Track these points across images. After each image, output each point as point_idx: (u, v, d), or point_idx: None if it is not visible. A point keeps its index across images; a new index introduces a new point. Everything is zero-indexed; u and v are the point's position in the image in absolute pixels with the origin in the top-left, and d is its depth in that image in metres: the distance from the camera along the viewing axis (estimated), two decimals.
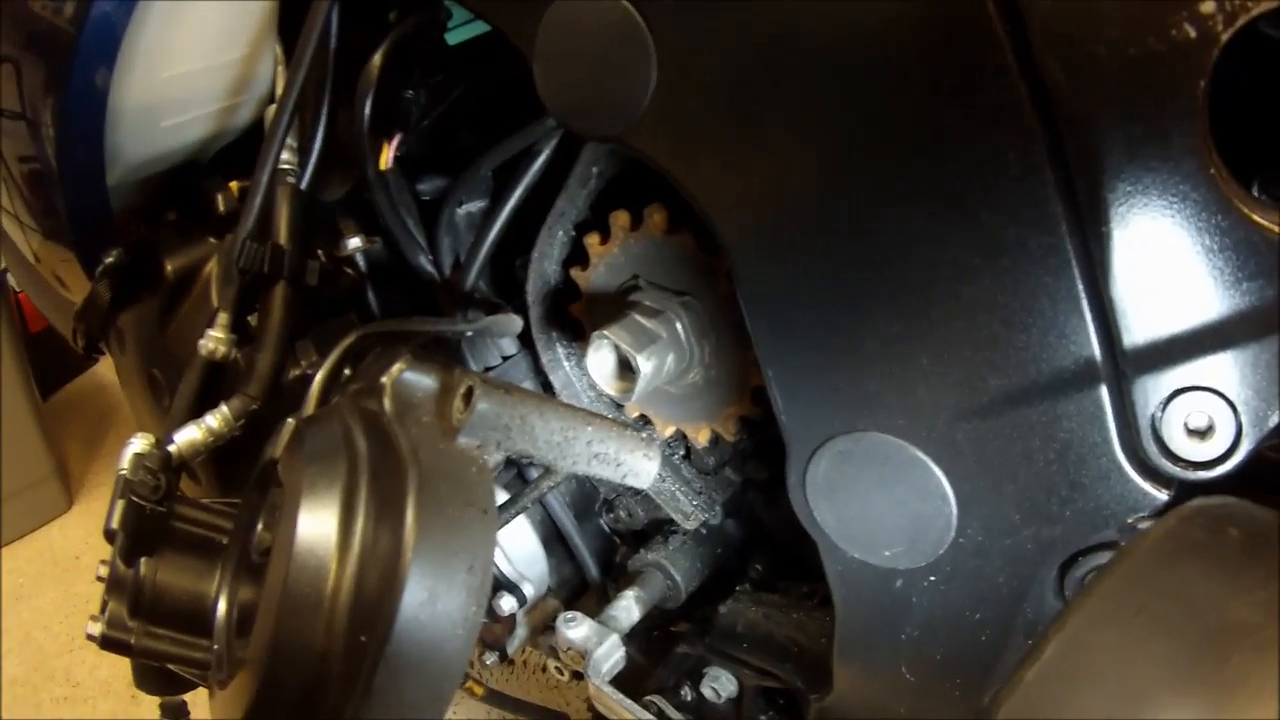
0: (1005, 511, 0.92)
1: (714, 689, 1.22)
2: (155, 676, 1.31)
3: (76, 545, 2.38)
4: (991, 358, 0.88)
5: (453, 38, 1.16)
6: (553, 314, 1.21)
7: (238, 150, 1.31)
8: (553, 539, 1.29)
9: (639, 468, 0.97)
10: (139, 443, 1.10)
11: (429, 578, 0.85)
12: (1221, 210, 0.80)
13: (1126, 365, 0.85)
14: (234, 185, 1.27)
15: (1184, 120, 0.78)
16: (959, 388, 0.90)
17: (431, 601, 0.85)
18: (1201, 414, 0.84)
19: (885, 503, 0.97)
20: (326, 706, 0.88)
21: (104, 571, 1.08)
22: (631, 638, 1.20)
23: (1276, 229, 0.79)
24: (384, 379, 0.94)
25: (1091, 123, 0.81)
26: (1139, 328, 0.84)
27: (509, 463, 1.24)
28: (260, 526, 1.03)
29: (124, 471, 1.07)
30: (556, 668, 1.35)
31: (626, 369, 1.09)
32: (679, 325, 1.09)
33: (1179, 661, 0.57)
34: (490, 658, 1.31)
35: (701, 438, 1.16)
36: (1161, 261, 0.82)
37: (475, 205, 1.24)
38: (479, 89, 1.22)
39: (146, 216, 1.34)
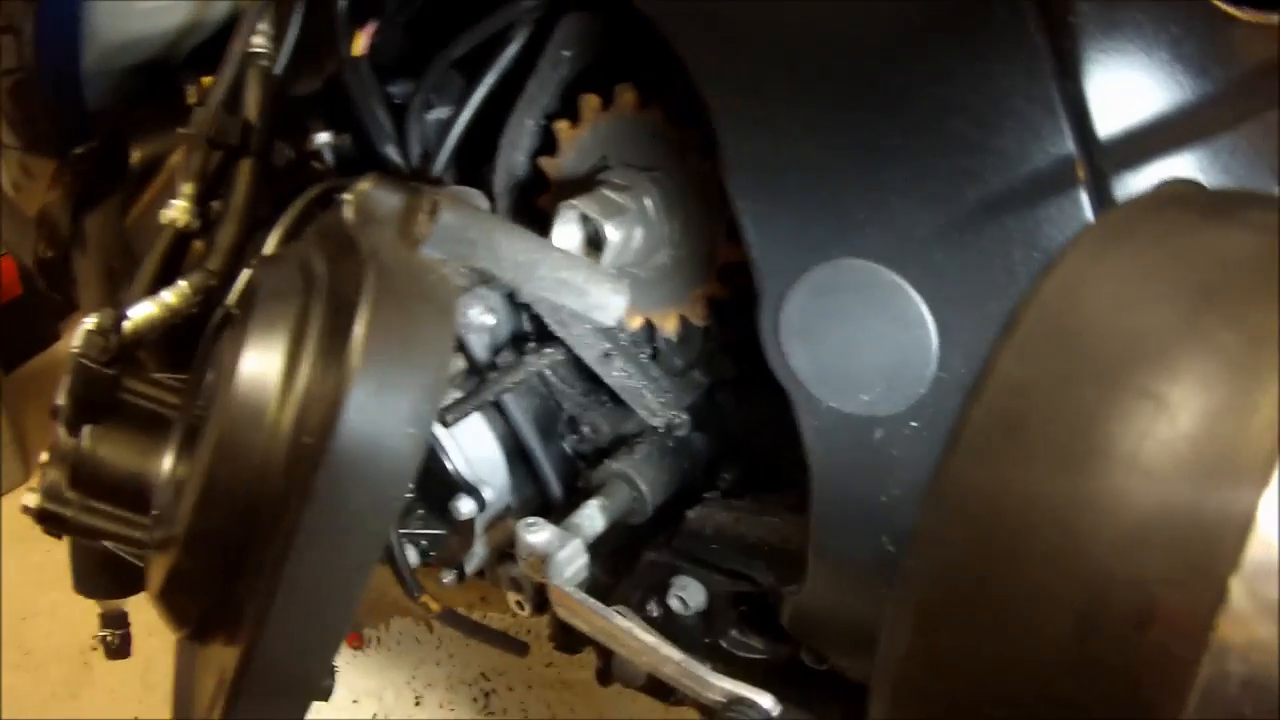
0: (988, 336, 0.88)
1: (681, 599, 1.15)
2: (95, 575, 1.24)
3: None
4: (968, 164, 0.86)
5: None
6: (520, 207, 1.18)
7: (211, 51, 1.31)
8: (514, 456, 1.24)
9: (606, 301, 0.94)
10: (92, 319, 1.05)
11: (381, 369, 0.80)
12: None
13: (1104, 161, 0.83)
14: (205, 80, 1.26)
15: None
16: (936, 201, 0.88)
17: (381, 394, 0.80)
18: (1175, 178, 0.82)
19: (863, 338, 0.93)
20: (263, 525, 0.83)
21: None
22: (596, 557, 1.14)
23: (1241, 15, 0.80)
24: (347, 194, 0.91)
25: None
26: (1113, 121, 0.83)
27: (470, 369, 1.20)
28: (209, 378, 0.98)
29: (75, 347, 1.02)
30: (517, 601, 1.28)
31: (593, 246, 1.06)
32: (647, 200, 1.07)
33: (1188, 285, 0.53)
34: (447, 576, 1.24)
35: (669, 325, 1.13)
36: (1130, 51, 0.82)
37: (445, 112, 1.22)
38: None
39: (119, 117, 1.33)
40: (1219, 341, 0.50)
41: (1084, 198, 0.83)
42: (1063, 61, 0.82)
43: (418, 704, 1.91)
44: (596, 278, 0.93)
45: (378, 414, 0.80)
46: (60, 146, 1.28)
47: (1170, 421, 0.49)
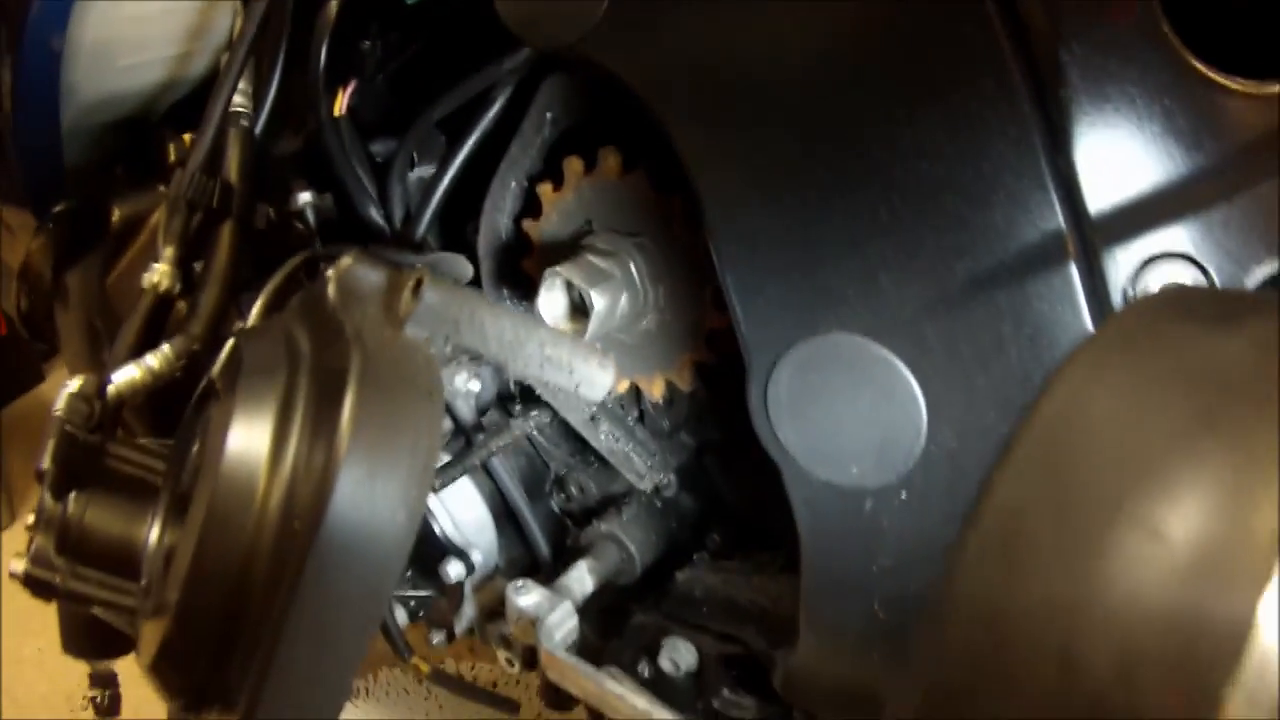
0: (978, 410, 0.88)
1: (673, 660, 1.15)
2: (83, 637, 1.23)
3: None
4: (957, 240, 0.86)
5: None
6: (504, 269, 1.17)
7: (190, 109, 1.30)
8: (502, 517, 1.23)
9: (593, 377, 0.93)
10: (75, 383, 1.04)
11: (368, 455, 0.80)
12: (1178, 69, 0.80)
13: (1094, 236, 0.83)
14: (187, 137, 1.25)
15: None
16: (924, 276, 0.87)
17: (370, 480, 0.79)
18: (1175, 284, 0.82)
19: (852, 412, 0.93)
20: (253, 609, 0.82)
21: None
22: (585, 617, 1.13)
23: (1235, 86, 0.79)
24: (330, 271, 0.90)
25: None
26: (1104, 195, 0.82)
27: (457, 431, 1.19)
28: (195, 449, 0.97)
29: (58, 411, 1.01)
30: (507, 659, 1.27)
31: (579, 311, 1.05)
32: (633, 265, 1.07)
33: (1187, 408, 0.53)
34: (437, 637, 1.23)
35: (656, 390, 1.12)
36: (1122, 125, 0.81)
37: (428, 170, 1.21)
38: (434, 50, 1.21)
39: (98, 173, 1.32)
40: (1215, 465, 0.50)
41: (1074, 272, 0.83)
42: (1053, 135, 0.82)
43: None
44: (583, 354, 0.92)
45: (367, 500, 0.79)
46: (36, 202, 1.27)
47: (1164, 546, 0.48)
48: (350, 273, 0.90)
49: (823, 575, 0.99)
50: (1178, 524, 0.49)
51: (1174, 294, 0.63)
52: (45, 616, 2.13)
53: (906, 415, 0.90)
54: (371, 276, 0.91)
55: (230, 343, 0.95)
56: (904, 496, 0.93)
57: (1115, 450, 0.52)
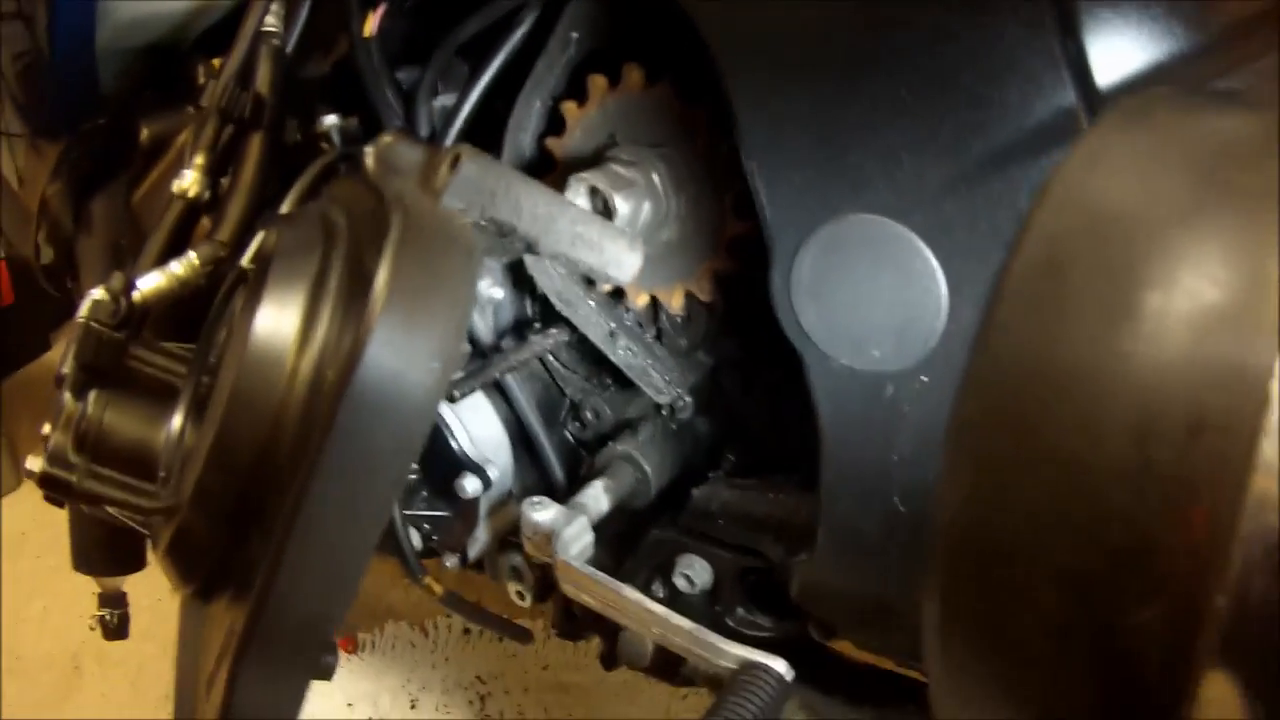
0: None
1: (687, 577, 1.15)
2: (94, 551, 1.22)
3: (23, 522, 2.33)
4: (974, 119, 0.89)
5: None
6: None
7: (220, 36, 1.32)
8: (518, 442, 1.24)
9: (621, 258, 0.95)
10: (99, 291, 1.05)
11: (407, 302, 0.80)
12: None
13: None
14: (216, 61, 1.28)
15: None
16: (943, 153, 0.90)
17: (408, 327, 0.80)
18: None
19: (873, 293, 0.95)
20: (277, 474, 0.82)
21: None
22: (599, 540, 1.14)
23: None
24: (369, 147, 0.92)
25: None
26: (1112, 72, 0.86)
27: (474, 350, 1.20)
28: (221, 339, 0.98)
29: (83, 315, 1.01)
30: (518, 591, 1.27)
31: (602, 218, 1.07)
32: (655, 174, 1.09)
33: (1196, 176, 0.55)
34: (451, 560, 1.23)
35: (675, 301, 1.14)
36: (1128, 6, 0.85)
37: (451, 98, 1.24)
38: None
39: (129, 99, 1.34)
40: (1229, 225, 0.52)
41: None
42: (1064, 17, 0.86)
43: (413, 708, 1.89)
44: (612, 234, 0.95)
45: (404, 347, 0.80)
46: (71, 129, 1.29)
47: (1183, 301, 0.50)
48: (390, 147, 0.92)
49: (843, 467, 1.01)
50: (1196, 281, 0.51)
51: (1176, 87, 0.66)
52: (48, 576, 2.13)
53: (928, 294, 0.92)
54: (410, 152, 0.93)
55: (262, 231, 0.97)
56: (924, 380, 0.95)
57: (1128, 218, 0.54)
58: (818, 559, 1.05)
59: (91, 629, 1.69)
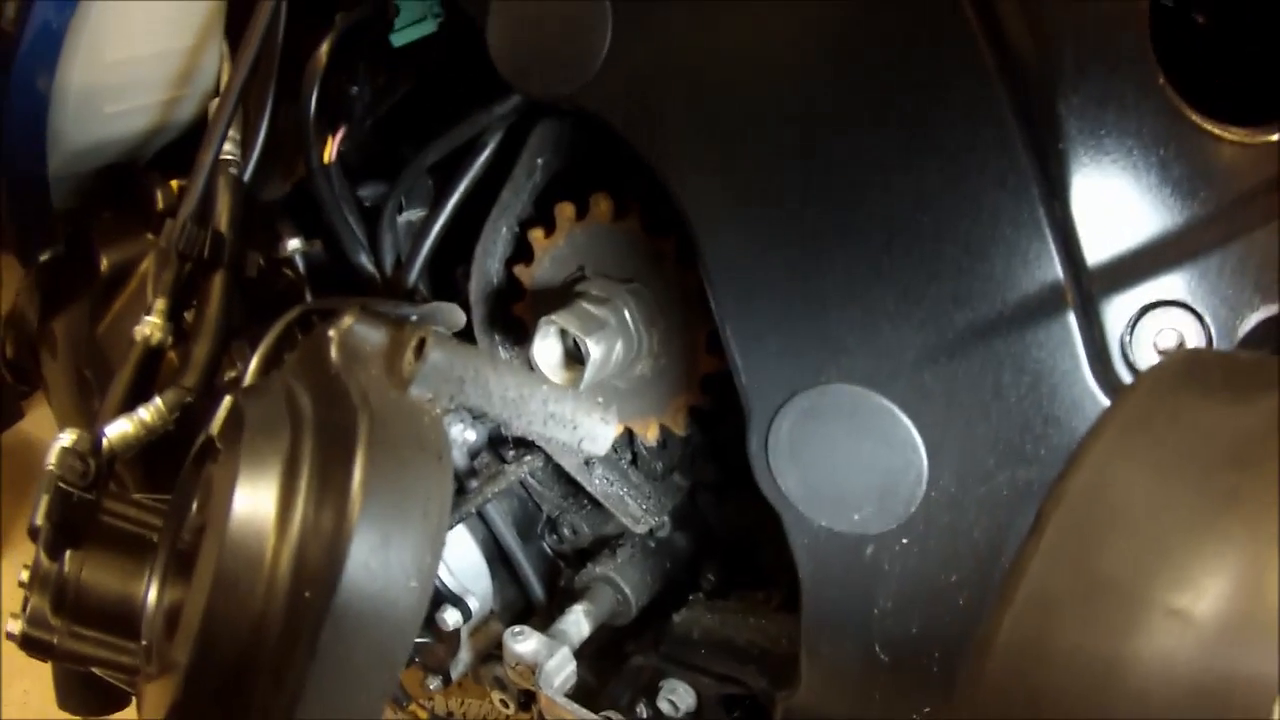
0: (978, 456, 0.90)
1: (671, 702, 1.15)
2: (79, 692, 1.21)
3: (7, 601, 2.29)
4: (956, 290, 0.87)
5: (398, 40, 1.15)
6: (496, 315, 1.17)
7: (177, 153, 1.29)
8: (495, 560, 1.23)
9: (596, 432, 0.93)
10: (67, 437, 1.03)
11: (381, 522, 0.79)
12: (1174, 120, 0.81)
13: (1092, 285, 0.84)
14: (174, 183, 1.24)
15: (1131, 32, 0.80)
16: (924, 325, 0.89)
17: (384, 548, 0.79)
18: (1170, 331, 0.83)
19: (852, 460, 0.94)
20: (265, 677, 0.81)
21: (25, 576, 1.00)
22: (581, 659, 1.13)
23: (1229, 135, 0.81)
24: (331, 332, 0.89)
25: (1042, 39, 0.83)
26: (1102, 245, 0.84)
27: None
28: (194, 509, 0.96)
29: (51, 466, 1.00)
30: (502, 700, 1.27)
31: (574, 359, 1.05)
32: (627, 312, 1.07)
33: (1206, 489, 0.54)
34: (434, 682, 1.23)
35: (650, 434, 1.12)
36: (1119, 176, 0.83)
37: (417, 214, 1.21)
38: (423, 94, 1.21)
39: (85, 218, 1.30)
40: (1235, 544, 0.51)
41: (1072, 321, 0.84)
42: (1051, 186, 0.84)
43: None
44: (585, 408, 0.92)
45: (380, 568, 0.79)
46: (23, 247, 1.26)
47: (1191, 625, 0.50)
48: (352, 332, 0.90)
49: (824, 618, 1.00)
50: (1202, 603, 0.50)
51: (1186, 363, 0.65)
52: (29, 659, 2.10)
53: (907, 463, 0.91)
54: (373, 336, 0.90)
55: (229, 400, 0.95)
56: (905, 541, 0.94)
57: (1139, 535, 0.54)
58: (801, 696, 1.05)
59: None
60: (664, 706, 1.16)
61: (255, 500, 0.83)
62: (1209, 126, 0.80)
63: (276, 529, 0.82)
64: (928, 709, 0.97)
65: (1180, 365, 0.64)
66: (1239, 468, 0.54)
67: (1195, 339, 0.82)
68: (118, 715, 1.38)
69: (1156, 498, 0.54)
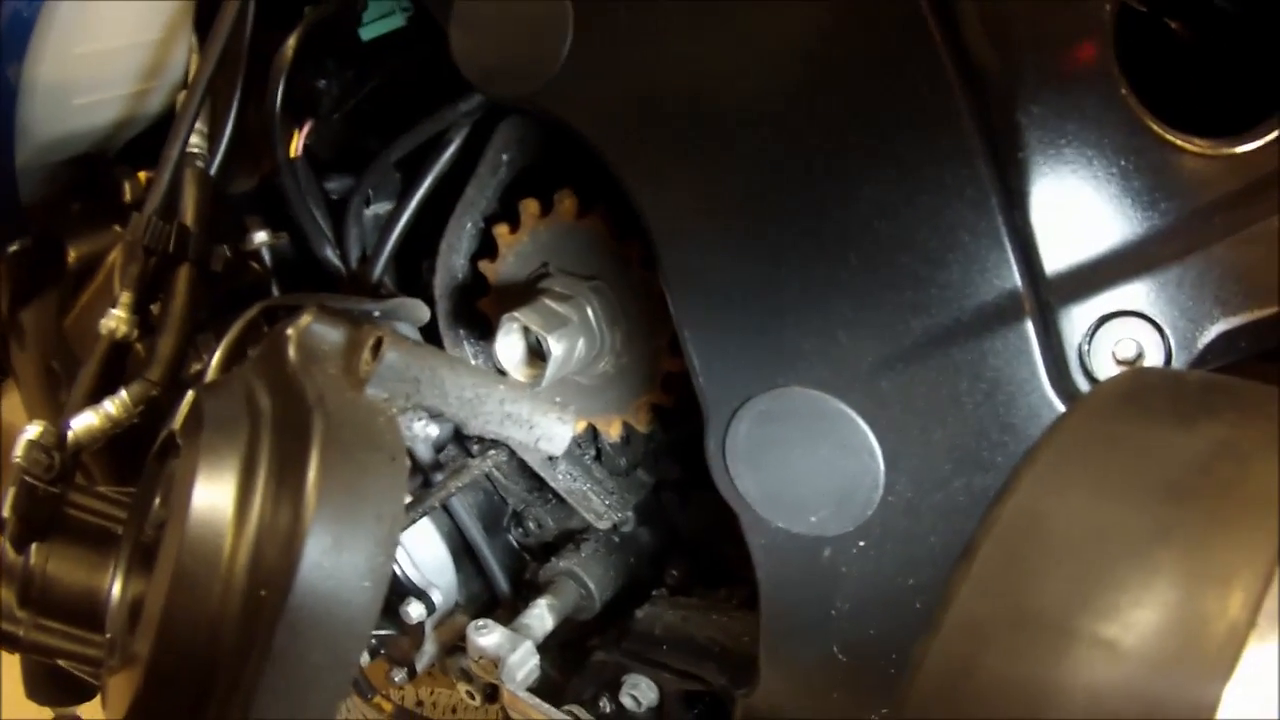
0: (935, 462, 0.90)
1: (634, 697, 1.16)
2: (47, 683, 1.22)
3: None
4: (913, 298, 0.87)
5: (366, 33, 1.15)
6: (460, 310, 1.17)
7: (145, 145, 1.28)
8: (461, 553, 1.23)
9: (553, 431, 0.94)
10: (34, 429, 1.04)
11: (334, 524, 0.80)
12: (1136, 130, 0.81)
13: (1050, 294, 0.84)
14: (142, 175, 1.24)
15: (1094, 43, 0.80)
16: (882, 332, 0.88)
17: (336, 549, 0.79)
18: (1129, 341, 0.83)
19: (809, 463, 0.94)
20: (222, 674, 0.82)
21: None
22: (545, 652, 1.14)
23: (1192, 146, 0.81)
24: (289, 330, 0.89)
25: (1003, 49, 0.82)
26: (1061, 255, 0.83)
27: (414, 469, 1.19)
28: (157, 503, 0.96)
29: (18, 458, 1.00)
30: (468, 691, 1.28)
31: (536, 356, 1.05)
32: (589, 309, 1.07)
33: (1141, 520, 0.54)
34: (399, 674, 1.24)
35: (613, 431, 1.12)
36: (1079, 186, 0.82)
37: (383, 207, 1.21)
38: (390, 88, 1.20)
39: (53, 210, 1.30)
40: (1168, 576, 0.51)
41: (1030, 330, 0.84)
42: (1010, 196, 0.83)
43: None
44: (542, 409, 0.93)
45: (334, 569, 0.79)
46: None
47: (1122, 657, 0.50)
48: (309, 331, 0.90)
49: (782, 619, 1.01)
50: (1130, 635, 0.50)
51: (1129, 385, 0.64)
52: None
53: (864, 467, 0.91)
54: (331, 335, 0.90)
55: (190, 396, 0.95)
56: (861, 544, 0.94)
57: (1069, 564, 0.54)
58: (760, 695, 1.05)
59: None
60: (626, 702, 1.16)
61: (213, 498, 0.84)
62: (1172, 138, 0.80)
63: (234, 527, 0.83)
64: (885, 710, 0.98)
65: (1123, 386, 0.64)
66: (1175, 499, 0.53)
67: (1155, 350, 0.82)
68: (84, 706, 1.39)
69: (1089, 527, 0.54)
